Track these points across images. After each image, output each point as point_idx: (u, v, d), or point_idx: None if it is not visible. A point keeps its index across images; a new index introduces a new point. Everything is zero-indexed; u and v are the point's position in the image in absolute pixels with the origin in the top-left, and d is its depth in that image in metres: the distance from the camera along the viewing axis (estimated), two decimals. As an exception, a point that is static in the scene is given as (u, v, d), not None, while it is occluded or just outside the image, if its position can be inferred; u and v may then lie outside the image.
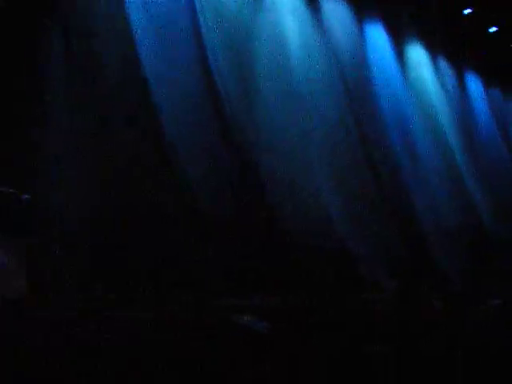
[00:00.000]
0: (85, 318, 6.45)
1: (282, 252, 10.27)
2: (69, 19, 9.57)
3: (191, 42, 10.77)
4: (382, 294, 10.55)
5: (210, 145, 10.45)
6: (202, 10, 10.90)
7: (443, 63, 16.86)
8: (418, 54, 15.94)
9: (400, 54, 15.37)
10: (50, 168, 8.74)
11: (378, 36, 14.87)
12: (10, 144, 8.36)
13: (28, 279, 7.12)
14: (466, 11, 16.30)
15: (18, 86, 8.66)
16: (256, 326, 7.31)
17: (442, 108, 16.05)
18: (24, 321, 6.25)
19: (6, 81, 8.50)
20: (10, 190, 7.41)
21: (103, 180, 9.12)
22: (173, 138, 9.92)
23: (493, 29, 17.26)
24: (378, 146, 13.44)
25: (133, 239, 8.93)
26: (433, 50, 16.47)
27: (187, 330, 6.85)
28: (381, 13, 14.95)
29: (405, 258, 12.20)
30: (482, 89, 18.35)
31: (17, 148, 8.47)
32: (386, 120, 13.96)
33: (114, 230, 8.84)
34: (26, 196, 7.47)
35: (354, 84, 13.42)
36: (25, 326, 6.10)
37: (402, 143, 14.18)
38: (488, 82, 18.61)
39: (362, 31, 14.43)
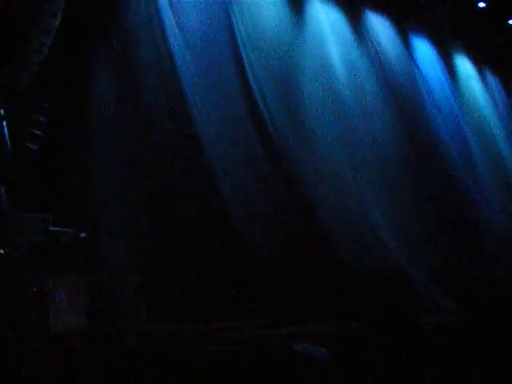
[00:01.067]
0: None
1: (336, 276, 10.16)
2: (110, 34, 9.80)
3: (232, 68, 10.80)
4: (443, 316, 10.34)
5: (254, 169, 10.45)
6: (241, 34, 10.93)
7: (490, 75, 16.58)
8: (465, 67, 15.74)
9: (448, 67, 15.19)
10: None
11: (424, 49, 14.75)
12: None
13: (88, 316, 7.28)
14: (511, 21, 16.03)
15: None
16: (316, 353, 7.25)
17: (493, 121, 15.76)
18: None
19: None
20: (68, 230, 7.64)
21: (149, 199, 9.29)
22: (216, 165, 9.98)
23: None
24: (435, 162, 13.21)
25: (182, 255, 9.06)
26: (479, 62, 16.24)
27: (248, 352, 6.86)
28: (425, 26, 14.81)
29: (466, 277, 11.89)
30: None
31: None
32: (440, 135, 13.74)
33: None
34: (83, 234, 7.67)
35: (404, 100, 13.25)
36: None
37: (459, 158, 13.92)
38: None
39: (408, 45, 14.30)
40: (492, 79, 16.62)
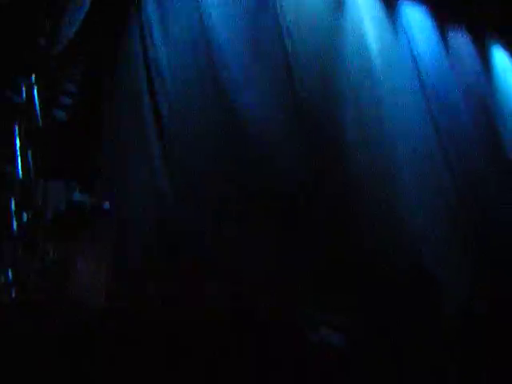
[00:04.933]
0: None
1: (358, 267, 10.09)
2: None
3: (274, 45, 10.75)
4: (461, 316, 10.22)
5: (292, 151, 10.43)
6: (283, 14, 10.93)
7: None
8: (502, 60, 15.39)
9: (484, 61, 14.91)
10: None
11: (460, 43, 14.49)
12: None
13: (107, 284, 7.31)
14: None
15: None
16: (332, 339, 7.23)
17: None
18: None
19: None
20: (92, 199, 7.66)
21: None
22: (256, 138, 9.97)
23: None
24: (462, 159, 13.03)
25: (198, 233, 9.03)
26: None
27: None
28: (463, 19, 14.54)
29: (487, 279, 11.72)
30: None
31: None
32: (470, 133, 13.54)
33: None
34: (107, 204, 7.68)
35: (434, 91, 13.09)
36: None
37: (486, 156, 13.68)
38: None
39: (443, 38, 14.09)
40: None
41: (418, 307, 9.62)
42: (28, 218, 7.72)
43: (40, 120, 8.25)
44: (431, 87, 13.12)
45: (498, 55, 15.34)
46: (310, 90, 10.81)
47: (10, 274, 7.44)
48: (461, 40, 14.49)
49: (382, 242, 10.55)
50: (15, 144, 8.23)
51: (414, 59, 13.02)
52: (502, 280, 11.52)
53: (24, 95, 8.34)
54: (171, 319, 6.88)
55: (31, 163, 8.10)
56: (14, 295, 7.25)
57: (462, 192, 12.70)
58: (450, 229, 12.02)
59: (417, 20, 13.56)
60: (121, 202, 8.37)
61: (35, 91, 8.32)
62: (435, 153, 12.63)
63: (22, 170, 8.11)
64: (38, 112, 8.28)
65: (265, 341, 6.98)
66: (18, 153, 8.19)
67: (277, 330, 7.33)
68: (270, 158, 10.06)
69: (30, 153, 8.22)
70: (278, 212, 9.82)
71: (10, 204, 7.93)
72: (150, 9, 9.80)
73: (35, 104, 8.29)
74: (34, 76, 8.42)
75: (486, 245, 12.47)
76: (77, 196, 7.76)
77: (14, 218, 7.89)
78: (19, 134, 8.30)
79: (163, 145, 9.34)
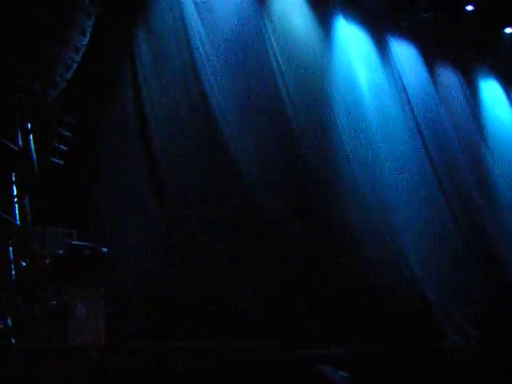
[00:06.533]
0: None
1: (358, 297, 10.07)
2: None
3: (266, 83, 11.00)
4: (463, 341, 10.19)
5: (283, 178, 10.55)
6: (275, 52, 11.14)
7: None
8: (491, 92, 15.52)
9: (473, 93, 15.07)
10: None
11: (448, 76, 14.69)
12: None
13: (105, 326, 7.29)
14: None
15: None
16: (334, 375, 7.16)
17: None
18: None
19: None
20: (90, 245, 7.67)
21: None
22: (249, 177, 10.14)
23: None
24: (455, 188, 13.12)
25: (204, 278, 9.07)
26: (508, 85, 16.01)
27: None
28: (450, 52, 14.77)
29: (487, 304, 11.70)
30: None
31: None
32: (460, 162, 13.67)
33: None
34: (105, 249, 7.69)
35: (426, 126, 13.26)
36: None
37: (477, 185, 13.79)
38: None
39: (432, 74, 14.29)
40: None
41: (419, 335, 9.61)
42: (26, 265, 7.71)
43: (37, 166, 8.30)
44: (423, 121, 13.31)
45: (487, 87, 15.49)
46: (304, 126, 10.98)
47: (9, 321, 7.42)
48: (449, 75, 14.71)
49: (384, 275, 10.58)
50: (12, 191, 8.29)
51: (406, 94, 13.23)
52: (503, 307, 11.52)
53: (20, 142, 8.39)
54: (169, 360, 6.87)
55: (28, 210, 8.13)
56: (13, 342, 7.23)
57: (460, 219, 12.79)
58: (449, 255, 12.06)
59: (406, 56, 13.80)
60: (117, 245, 8.43)
61: (31, 138, 8.39)
62: (430, 181, 12.76)
63: (20, 217, 8.14)
64: (35, 158, 8.33)
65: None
66: (16, 200, 8.24)
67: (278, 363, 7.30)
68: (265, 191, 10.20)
69: (27, 199, 8.25)
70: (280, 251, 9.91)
71: (8, 251, 7.94)
72: (144, 49, 10.01)
73: (31, 151, 8.34)
74: (29, 123, 8.49)
75: (486, 272, 12.50)
76: (74, 241, 7.77)
77: (13, 265, 7.89)
78: (16, 181, 8.35)
79: (157, 187, 9.47)
